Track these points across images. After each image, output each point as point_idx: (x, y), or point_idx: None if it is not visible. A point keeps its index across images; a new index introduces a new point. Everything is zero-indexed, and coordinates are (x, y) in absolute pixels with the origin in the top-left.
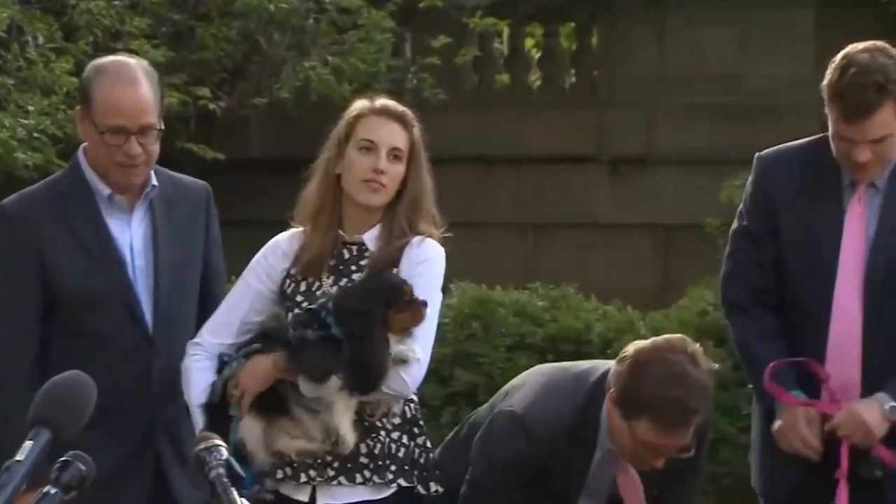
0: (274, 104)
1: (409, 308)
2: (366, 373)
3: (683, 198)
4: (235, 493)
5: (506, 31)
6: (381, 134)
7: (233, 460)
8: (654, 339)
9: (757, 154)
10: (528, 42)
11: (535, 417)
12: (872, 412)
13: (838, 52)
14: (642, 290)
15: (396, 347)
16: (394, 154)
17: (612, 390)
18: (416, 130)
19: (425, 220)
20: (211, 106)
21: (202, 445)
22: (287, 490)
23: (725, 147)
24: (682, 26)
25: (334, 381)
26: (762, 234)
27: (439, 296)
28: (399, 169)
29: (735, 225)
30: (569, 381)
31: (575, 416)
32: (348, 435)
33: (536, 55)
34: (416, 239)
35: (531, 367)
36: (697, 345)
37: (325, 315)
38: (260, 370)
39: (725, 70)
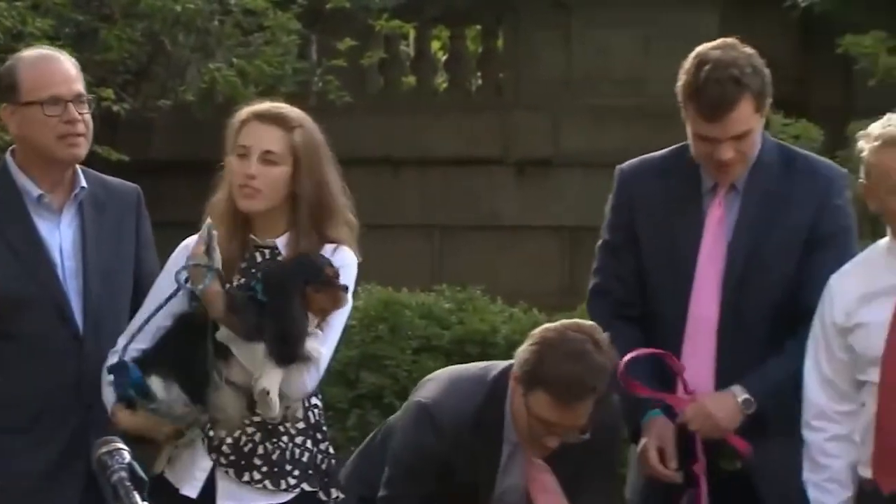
0: (179, 106)
1: (328, 289)
2: (285, 343)
3: (589, 200)
4: (138, 497)
5: (412, 34)
6: (253, 138)
7: (135, 464)
8: (564, 321)
9: (617, 167)
10: (435, 44)
11: (441, 408)
12: (722, 405)
13: None
14: (548, 293)
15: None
16: (265, 158)
17: (515, 369)
18: (303, 132)
19: (336, 225)
20: (115, 107)
21: (104, 449)
22: (175, 479)
23: (631, 149)
24: (586, 29)
25: (261, 348)
26: (624, 247)
27: (350, 302)
28: (275, 172)
29: (600, 240)
30: (473, 375)
31: (478, 408)
32: (275, 397)
33: (443, 57)
34: (330, 248)
35: (437, 369)
36: (606, 334)
37: (255, 283)
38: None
39: (630, 72)
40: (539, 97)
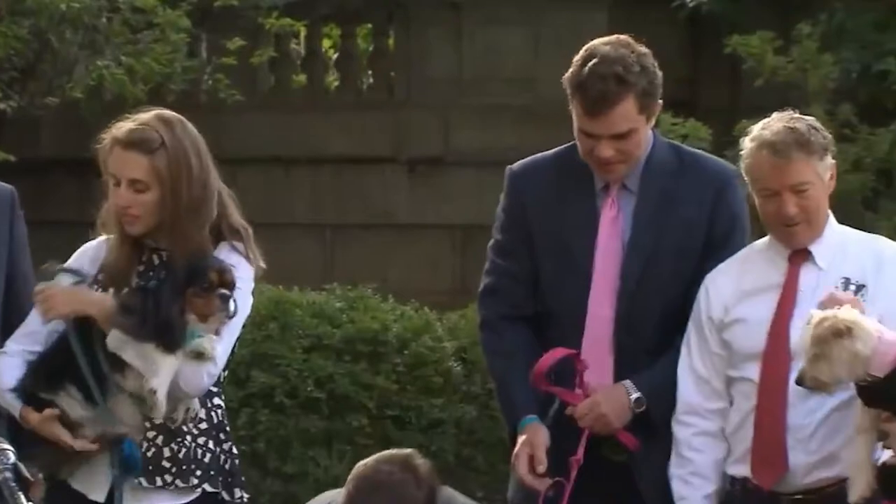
0: (66, 104)
1: (204, 296)
2: (168, 330)
3: (480, 198)
4: (23, 497)
5: (303, 32)
6: (119, 166)
7: (21, 465)
8: (381, 454)
9: (508, 167)
10: (326, 43)
11: None
12: (614, 403)
13: None
14: (440, 291)
15: (196, 339)
16: (134, 186)
17: None
18: (165, 153)
19: (226, 225)
20: (1, 105)
21: None
22: (81, 486)
23: (521, 148)
24: (476, 27)
25: (152, 346)
26: (517, 247)
27: (244, 306)
28: (145, 199)
29: (491, 241)
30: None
31: None
32: (161, 397)
33: (334, 56)
34: (226, 248)
35: (328, 367)
36: (422, 460)
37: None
38: (84, 299)
39: (520, 71)
40: (430, 96)
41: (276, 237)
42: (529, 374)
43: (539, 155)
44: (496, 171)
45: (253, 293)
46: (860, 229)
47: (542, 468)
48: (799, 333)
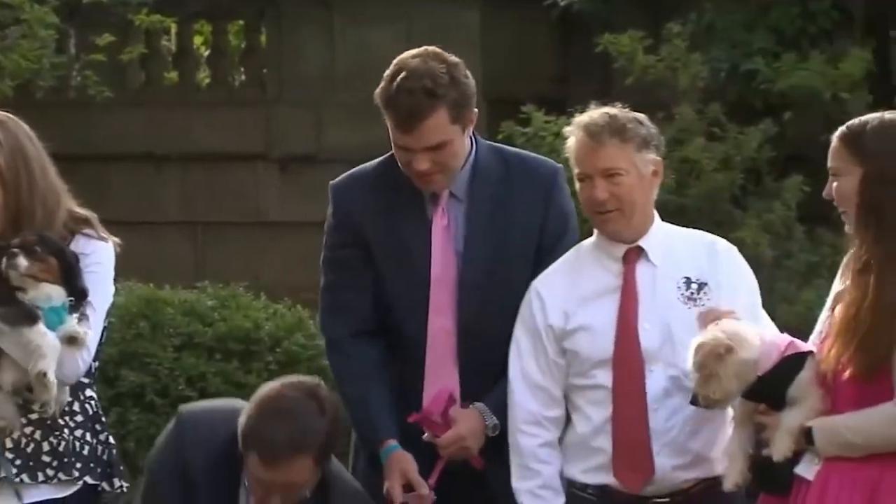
0: None
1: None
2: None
3: None
4: None
5: (173, 29)
6: None
7: None
8: (287, 378)
9: (330, 183)
10: (197, 39)
11: (194, 425)
12: (473, 431)
13: (503, 52)
14: (312, 288)
15: (69, 324)
16: None
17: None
18: (1, 152)
19: (72, 222)
20: None
21: None
22: None
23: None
24: (348, 25)
25: (29, 330)
26: (354, 261)
27: (109, 289)
28: None
29: (322, 257)
30: (235, 409)
31: (224, 444)
32: (52, 377)
33: (205, 53)
34: (82, 240)
35: (200, 366)
36: (328, 391)
37: None
38: None
39: None
40: (302, 93)
41: (148, 235)
42: (386, 393)
43: (360, 168)
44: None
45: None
46: (728, 226)
47: (424, 490)
48: (647, 336)
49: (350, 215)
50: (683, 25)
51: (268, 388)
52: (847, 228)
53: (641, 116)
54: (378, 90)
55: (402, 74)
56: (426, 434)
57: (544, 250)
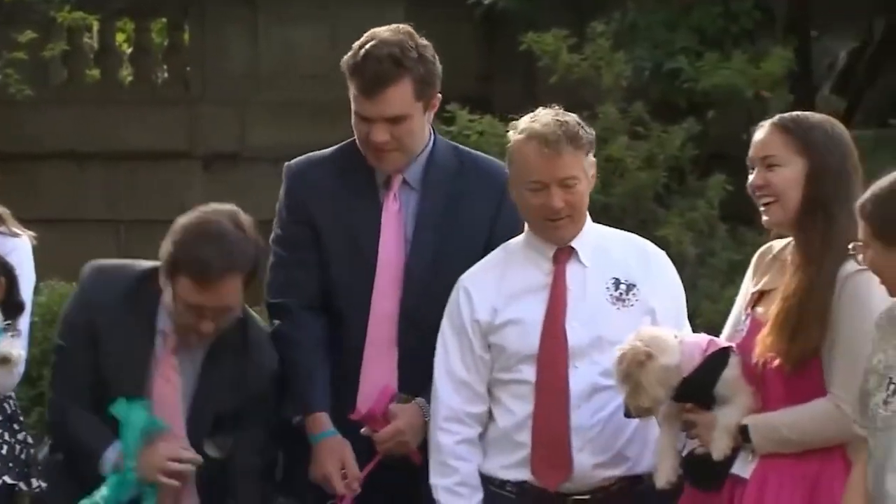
0: None
1: None
2: None
3: (276, 194)
4: None
5: (95, 26)
6: None
7: None
8: (200, 207)
9: (286, 164)
10: (120, 37)
11: (97, 273)
12: (414, 429)
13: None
14: None
15: (2, 345)
16: None
17: (160, 260)
18: None
19: None
20: None
21: None
22: None
23: (317, 144)
24: (272, 24)
25: None
26: (303, 240)
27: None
28: None
29: (273, 235)
30: (134, 261)
31: (131, 283)
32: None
33: (128, 50)
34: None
35: None
36: (246, 216)
37: None
38: None
39: (316, 68)
40: (226, 91)
41: (70, 233)
42: (327, 375)
43: (317, 152)
44: None
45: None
46: (652, 225)
47: (356, 484)
48: (575, 334)
49: (302, 197)
50: (607, 25)
51: (187, 218)
52: (765, 221)
53: (574, 116)
54: (345, 58)
55: (372, 42)
56: (364, 429)
57: (494, 245)
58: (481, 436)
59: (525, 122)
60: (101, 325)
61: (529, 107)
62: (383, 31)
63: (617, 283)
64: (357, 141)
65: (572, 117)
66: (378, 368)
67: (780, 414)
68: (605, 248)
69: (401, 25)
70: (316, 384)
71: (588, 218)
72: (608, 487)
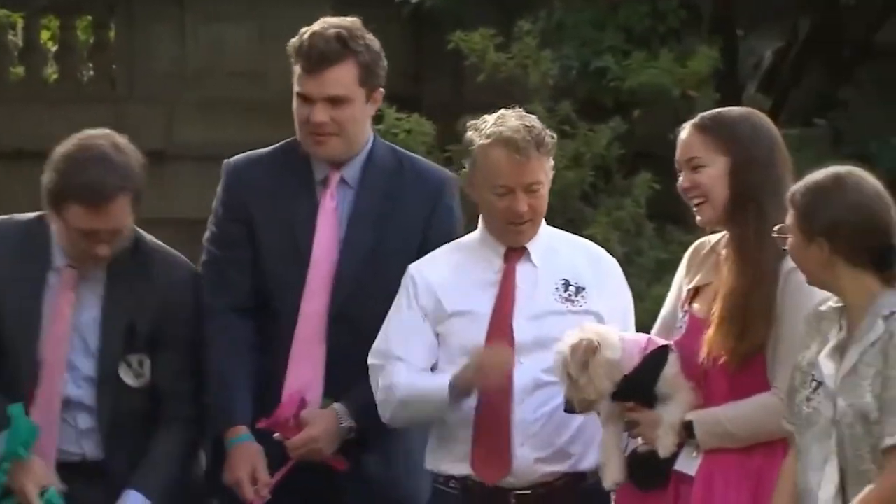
0: None
1: None
2: None
3: (202, 193)
4: None
5: (20, 23)
6: None
7: None
8: (75, 135)
9: (225, 161)
10: (44, 35)
11: None
12: (326, 434)
13: None
14: None
15: None
16: None
17: (42, 196)
18: None
19: None
20: None
21: None
22: None
23: (246, 143)
24: (200, 22)
25: None
26: (238, 239)
27: None
28: None
29: (208, 233)
30: (11, 215)
31: (20, 230)
32: None
33: (53, 48)
34: None
35: None
36: (122, 137)
37: None
38: None
39: (244, 66)
40: (152, 90)
41: None
42: (250, 379)
43: (257, 150)
44: (219, 166)
45: None
46: (579, 224)
47: (265, 491)
48: (521, 330)
49: (239, 193)
50: (534, 23)
51: (65, 146)
52: (699, 220)
53: (533, 117)
54: (291, 41)
55: (320, 24)
56: (276, 434)
57: (428, 248)
58: (428, 430)
59: (491, 125)
60: None
61: (457, 105)
62: (333, 18)
63: (567, 284)
64: (297, 128)
65: (536, 121)
66: (304, 366)
67: (724, 409)
68: (556, 249)
69: (353, 18)
70: (235, 396)
71: (542, 222)
72: (551, 483)
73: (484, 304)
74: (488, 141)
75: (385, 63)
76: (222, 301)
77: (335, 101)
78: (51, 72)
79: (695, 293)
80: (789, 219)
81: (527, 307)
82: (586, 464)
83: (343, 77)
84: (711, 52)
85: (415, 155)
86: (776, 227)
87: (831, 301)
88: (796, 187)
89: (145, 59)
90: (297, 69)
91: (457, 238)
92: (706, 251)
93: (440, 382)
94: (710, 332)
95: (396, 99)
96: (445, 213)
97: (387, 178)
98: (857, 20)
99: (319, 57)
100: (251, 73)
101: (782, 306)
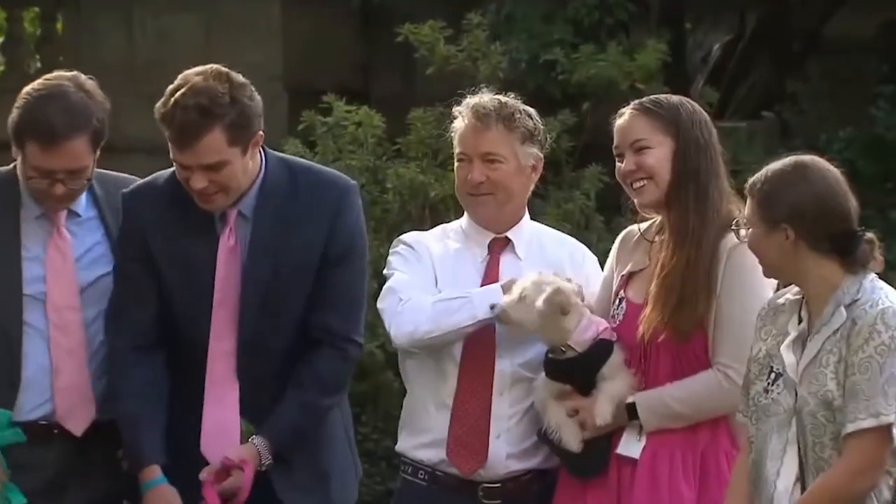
0: None
1: None
2: None
3: None
4: None
5: None
6: None
7: None
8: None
9: (122, 192)
10: None
11: None
12: (249, 468)
13: (305, 42)
14: None
15: None
16: None
17: (9, 136)
18: None
19: None
20: None
21: None
22: None
23: None
24: (148, 14)
25: None
26: (138, 272)
27: None
28: None
29: (113, 266)
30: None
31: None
32: None
33: (0, 39)
34: None
35: None
36: (90, 80)
37: None
38: None
39: (192, 59)
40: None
41: None
42: (160, 416)
43: (155, 176)
44: (167, 160)
45: None
46: (530, 217)
47: None
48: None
49: (138, 227)
50: (484, 16)
51: (31, 86)
52: (640, 202)
53: (532, 111)
54: (157, 105)
55: (181, 91)
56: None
57: (326, 267)
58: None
59: (470, 99)
60: None
61: (407, 98)
62: (195, 77)
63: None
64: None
65: (519, 104)
66: (219, 409)
67: (667, 388)
68: (540, 244)
69: (218, 67)
70: (143, 437)
71: (527, 216)
72: (518, 478)
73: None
74: (462, 110)
75: (259, 103)
76: (123, 342)
77: (210, 167)
78: None
79: (628, 279)
80: (748, 210)
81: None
82: (551, 462)
83: (212, 146)
84: (659, 45)
85: (312, 166)
86: (734, 221)
87: (788, 294)
88: (756, 177)
89: (92, 52)
90: (167, 134)
91: (360, 250)
92: (636, 239)
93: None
94: (647, 310)
95: (346, 91)
96: (344, 230)
97: (280, 200)
98: (805, 13)
99: (183, 131)
100: (198, 65)
101: (724, 283)
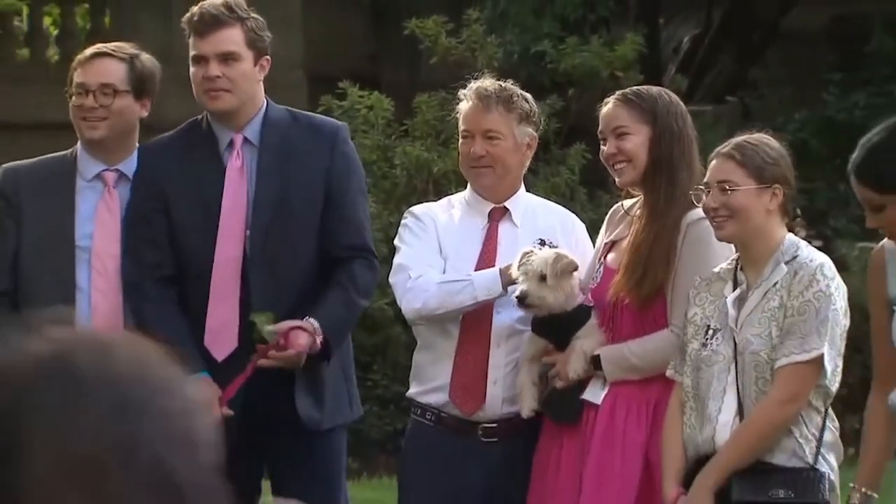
0: None
1: None
2: None
3: None
4: None
5: (25, 10)
6: None
7: None
8: None
9: (139, 146)
10: (47, 20)
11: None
12: (304, 354)
13: (323, 34)
14: None
15: None
16: None
17: None
18: None
19: None
20: None
21: None
22: None
23: None
24: (184, 5)
25: None
26: (152, 214)
27: None
28: None
29: (128, 215)
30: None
31: (51, 160)
32: None
33: (54, 33)
34: None
35: None
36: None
37: None
38: None
39: None
40: None
41: None
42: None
43: (166, 134)
44: None
45: None
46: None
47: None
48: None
49: (153, 174)
50: (481, 12)
51: None
52: (619, 181)
53: (528, 95)
54: (184, 17)
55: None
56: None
57: (333, 192)
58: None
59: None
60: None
61: (413, 84)
62: None
63: (542, 242)
64: (195, 92)
65: (516, 89)
66: (223, 307)
67: (628, 344)
68: (535, 212)
69: None
70: (191, 347)
71: (522, 188)
72: (512, 419)
73: (469, 257)
74: (466, 93)
75: (268, 37)
76: (141, 273)
77: (226, 58)
78: (52, 54)
79: (610, 247)
80: (735, 174)
81: (507, 261)
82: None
83: (232, 36)
84: (636, 38)
85: (308, 112)
86: (704, 181)
87: (723, 264)
88: (737, 142)
89: (136, 42)
90: (191, 41)
91: (357, 177)
92: (621, 213)
93: (488, 270)
94: (617, 277)
95: (359, 79)
96: (342, 158)
97: (284, 133)
98: (766, 7)
99: (210, 20)
100: None
101: (681, 253)
